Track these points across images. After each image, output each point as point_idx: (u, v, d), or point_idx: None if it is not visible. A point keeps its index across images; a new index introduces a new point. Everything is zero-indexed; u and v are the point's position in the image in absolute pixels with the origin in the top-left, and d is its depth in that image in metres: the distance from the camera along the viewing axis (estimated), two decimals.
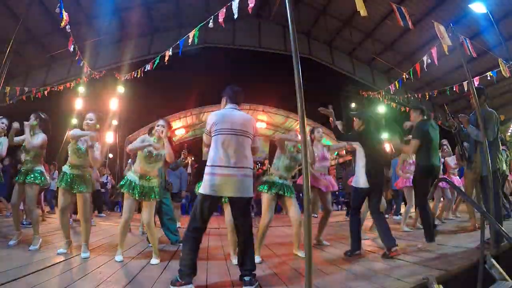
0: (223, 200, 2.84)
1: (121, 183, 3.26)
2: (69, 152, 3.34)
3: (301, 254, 3.30)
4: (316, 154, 3.98)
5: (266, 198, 3.31)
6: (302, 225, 3.27)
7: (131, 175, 3.23)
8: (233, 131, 2.43)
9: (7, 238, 3.76)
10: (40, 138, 3.58)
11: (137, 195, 3.11)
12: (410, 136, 3.93)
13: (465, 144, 4.00)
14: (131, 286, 2.32)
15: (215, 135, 2.44)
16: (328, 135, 14.43)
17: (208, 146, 2.54)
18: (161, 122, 3.28)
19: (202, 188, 2.37)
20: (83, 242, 3.23)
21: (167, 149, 3.17)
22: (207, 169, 2.39)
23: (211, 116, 2.53)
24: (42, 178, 3.60)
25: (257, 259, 3.10)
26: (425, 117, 3.81)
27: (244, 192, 2.39)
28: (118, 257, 3.08)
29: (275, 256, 3.38)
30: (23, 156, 3.72)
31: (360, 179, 3.28)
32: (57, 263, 2.87)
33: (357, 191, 3.33)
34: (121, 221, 3.20)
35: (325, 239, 4.06)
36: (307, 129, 3.89)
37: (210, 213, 2.42)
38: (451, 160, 5.46)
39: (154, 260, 3.07)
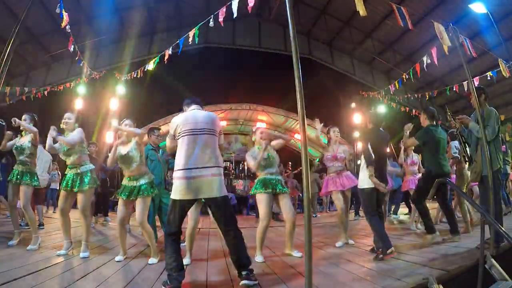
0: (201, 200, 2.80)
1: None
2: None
3: (295, 253, 3.28)
4: (328, 154, 3.99)
5: (262, 198, 3.27)
6: (295, 224, 3.28)
7: (123, 180, 3.30)
8: (197, 131, 2.39)
9: (7, 238, 3.76)
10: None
11: (124, 196, 3.15)
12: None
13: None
14: (130, 286, 2.32)
15: (179, 137, 2.40)
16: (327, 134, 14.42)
17: (171, 149, 2.52)
18: (127, 121, 3.35)
19: (173, 193, 2.33)
20: (83, 241, 3.23)
21: (128, 132, 3.20)
22: (175, 174, 2.36)
23: (174, 120, 2.49)
24: (36, 179, 3.66)
25: (259, 258, 3.13)
26: (434, 123, 3.77)
27: (216, 192, 2.34)
28: (118, 257, 3.09)
29: (275, 256, 3.38)
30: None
31: (366, 179, 3.23)
32: (57, 263, 2.87)
33: (364, 192, 3.27)
34: (116, 222, 3.22)
35: (327, 239, 4.07)
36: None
37: (184, 215, 2.39)
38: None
39: (152, 260, 3.07)
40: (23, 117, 3.69)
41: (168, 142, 2.53)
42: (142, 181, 3.23)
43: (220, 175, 2.41)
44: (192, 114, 2.50)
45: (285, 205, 3.32)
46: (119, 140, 3.29)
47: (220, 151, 2.52)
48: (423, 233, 3.93)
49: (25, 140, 3.65)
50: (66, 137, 3.34)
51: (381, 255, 2.99)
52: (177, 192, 2.31)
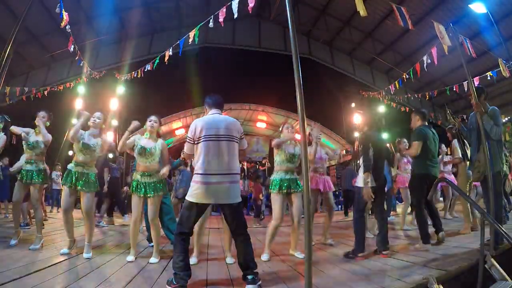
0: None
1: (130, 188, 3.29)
2: (74, 150, 3.36)
3: (298, 254, 3.30)
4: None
5: (277, 198, 3.30)
6: (299, 225, 3.30)
7: (135, 174, 3.27)
8: (219, 137, 2.40)
9: (7, 238, 3.77)
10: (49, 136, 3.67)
11: (141, 193, 3.14)
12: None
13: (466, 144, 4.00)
14: (131, 286, 2.32)
15: (200, 142, 2.41)
16: (327, 135, 14.47)
17: (189, 155, 2.53)
18: (152, 117, 3.36)
19: (190, 195, 2.35)
20: (86, 242, 3.22)
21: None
22: (194, 177, 2.38)
23: (195, 123, 2.47)
24: (45, 177, 3.64)
25: (265, 256, 3.18)
26: (426, 123, 3.77)
27: (232, 199, 2.38)
28: (130, 257, 3.10)
29: (275, 256, 3.38)
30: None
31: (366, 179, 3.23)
32: (57, 263, 2.87)
33: (360, 190, 3.26)
34: (131, 220, 3.21)
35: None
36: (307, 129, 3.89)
37: (198, 217, 2.42)
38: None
39: (154, 259, 3.08)
40: (40, 114, 3.65)
41: (186, 146, 2.52)
42: (156, 179, 3.23)
43: (237, 181, 2.45)
44: (213, 119, 2.49)
45: (295, 203, 3.35)
46: (132, 127, 3.31)
47: (242, 155, 2.55)
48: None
49: (38, 138, 3.62)
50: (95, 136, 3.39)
51: (351, 255, 3.10)
52: (195, 195, 2.33)
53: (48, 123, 3.72)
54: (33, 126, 3.66)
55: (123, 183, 8.35)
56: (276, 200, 3.31)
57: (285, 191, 3.29)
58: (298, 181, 3.41)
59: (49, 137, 3.65)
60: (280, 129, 3.67)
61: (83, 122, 3.34)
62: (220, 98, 2.66)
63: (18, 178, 3.60)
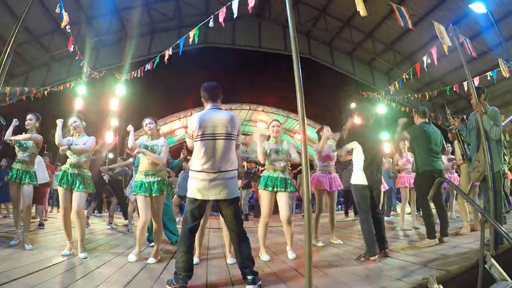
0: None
1: (133, 189, 3.28)
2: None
3: (290, 254, 3.23)
4: (322, 153, 4.02)
5: (263, 195, 3.30)
6: (291, 223, 3.28)
7: (138, 176, 3.28)
8: (216, 136, 2.38)
9: (7, 238, 3.77)
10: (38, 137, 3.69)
11: (147, 192, 3.14)
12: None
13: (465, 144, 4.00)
14: (131, 286, 2.32)
15: (197, 140, 2.40)
16: None
17: (192, 148, 2.53)
18: (147, 120, 3.39)
19: (188, 191, 2.39)
20: (78, 241, 3.21)
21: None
22: (191, 173, 2.41)
23: (192, 120, 2.44)
24: (35, 179, 3.67)
25: (265, 257, 3.17)
26: (427, 120, 3.83)
27: (229, 194, 2.38)
28: (131, 257, 3.09)
29: (275, 256, 3.38)
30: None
31: (358, 177, 3.19)
32: (57, 263, 2.87)
33: (357, 188, 3.20)
34: (139, 222, 3.18)
35: (324, 238, 4.11)
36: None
37: (200, 213, 2.42)
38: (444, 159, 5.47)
39: (152, 260, 3.08)
40: (28, 116, 3.67)
41: (188, 141, 2.55)
42: (161, 178, 3.23)
43: (235, 177, 2.45)
44: (210, 116, 2.44)
45: (281, 203, 3.31)
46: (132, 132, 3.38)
47: (236, 148, 2.55)
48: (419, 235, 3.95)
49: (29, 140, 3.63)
50: (78, 141, 3.38)
51: (362, 258, 2.94)
52: (194, 191, 2.36)
53: (37, 124, 3.72)
54: (25, 130, 3.71)
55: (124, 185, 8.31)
56: (263, 197, 3.30)
57: (270, 189, 3.27)
58: (288, 181, 3.35)
59: (37, 137, 3.66)
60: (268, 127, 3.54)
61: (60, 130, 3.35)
62: (216, 87, 2.56)
63: (7, 177, 3.65)
